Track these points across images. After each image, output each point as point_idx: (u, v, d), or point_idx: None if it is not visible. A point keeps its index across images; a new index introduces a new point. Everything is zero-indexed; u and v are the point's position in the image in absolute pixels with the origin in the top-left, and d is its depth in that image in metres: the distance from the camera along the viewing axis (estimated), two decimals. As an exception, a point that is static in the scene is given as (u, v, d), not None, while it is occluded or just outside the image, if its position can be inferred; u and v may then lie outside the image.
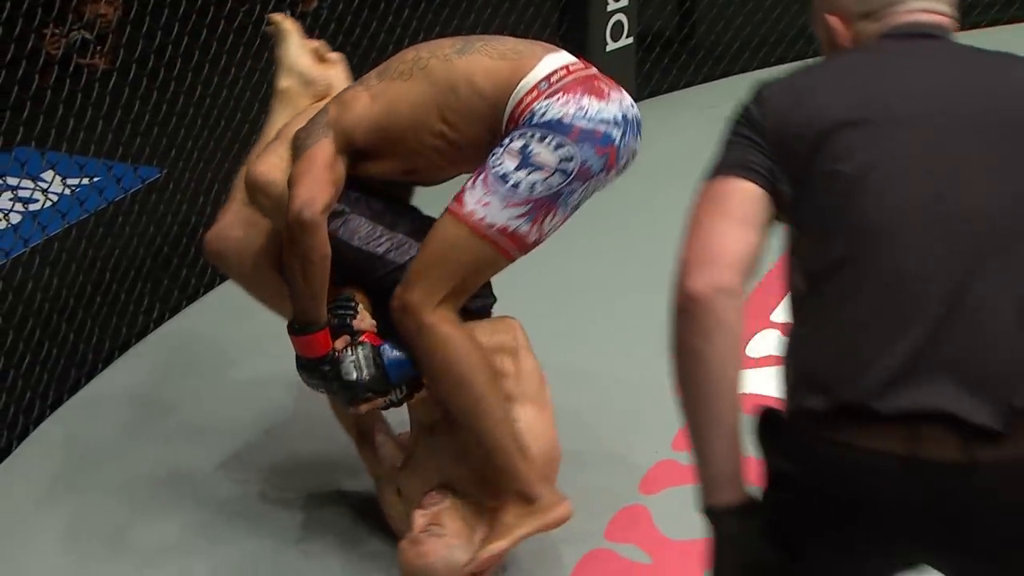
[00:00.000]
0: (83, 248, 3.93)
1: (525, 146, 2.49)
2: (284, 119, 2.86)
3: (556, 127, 2.50)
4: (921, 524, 1.64)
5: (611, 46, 4.95)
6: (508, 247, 2.54)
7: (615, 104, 2.59)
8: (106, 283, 3.86)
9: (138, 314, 3.83)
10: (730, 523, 1.71)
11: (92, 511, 3.06)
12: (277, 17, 3.00)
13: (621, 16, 4.95)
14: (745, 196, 1.71)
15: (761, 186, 1.71)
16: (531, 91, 2.54)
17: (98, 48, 5.16)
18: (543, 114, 2.51)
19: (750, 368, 3.40)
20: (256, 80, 4.49)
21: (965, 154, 1.66)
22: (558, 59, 2.61)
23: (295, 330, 2.62)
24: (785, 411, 1.70)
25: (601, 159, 2.54)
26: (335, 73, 3.00)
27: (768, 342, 3.52)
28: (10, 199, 3.95)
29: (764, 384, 3.33)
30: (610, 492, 2.97)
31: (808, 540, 1.70)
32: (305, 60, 2.96)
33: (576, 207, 2.60)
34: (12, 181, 3.99)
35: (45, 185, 3.96)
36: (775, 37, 5.49)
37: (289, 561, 2.87)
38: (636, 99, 5.05)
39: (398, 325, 2.57)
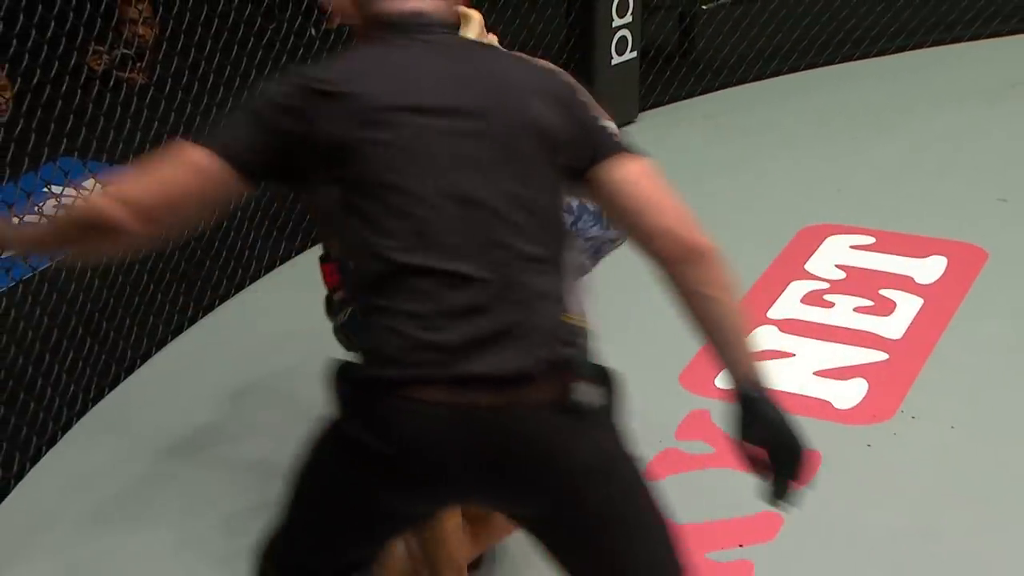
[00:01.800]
0: (122, 251, 3.93)
1: None
2: None
3: None
4: (473, 462, 1.77)
5: (616, 60, 4.94)
6: None
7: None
8: (143, 284, 3.86)
9: (173, 313, 3.84)
10: None
11: (130, 498, 3.06)
12: (464, 9, 2.96)
13: (625, 32, 4.94)
14: (200, 168, 1.79)
15: (233, 169, 1.79)
16: None
17: (137, 64, 5.17)
18: None
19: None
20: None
21: (477, 156, 1.79)
22: None
23: (320, 257, 2.61)
24: (357, 378, 1.80)
25: None
26: None
27: (764, 338, 3.51)
28: (54, 206, 3.95)
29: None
30: (616, 479, 2.96)
31: (379, 487, 1.82)
32: None
33: None
34: (56, 189, 4.00)
35: (87, 192, 3.96)
36: (770, 51, 5.48)
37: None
38: (640, 109, 5.12)
39: None
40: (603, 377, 1.84)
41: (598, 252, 2.55)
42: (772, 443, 1.92)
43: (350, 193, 1.80)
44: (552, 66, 1.93)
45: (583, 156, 1.86)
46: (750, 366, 1.93)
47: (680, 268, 1.84)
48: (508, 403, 1.75)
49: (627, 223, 1.88)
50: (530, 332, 1.77)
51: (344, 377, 1.82)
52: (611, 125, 1.94)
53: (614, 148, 1.88)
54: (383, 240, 1.77)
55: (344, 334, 2.62)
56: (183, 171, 1.79)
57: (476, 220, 1.78)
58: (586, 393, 1.79)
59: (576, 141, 1.86)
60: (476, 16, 2.93)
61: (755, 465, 1.95)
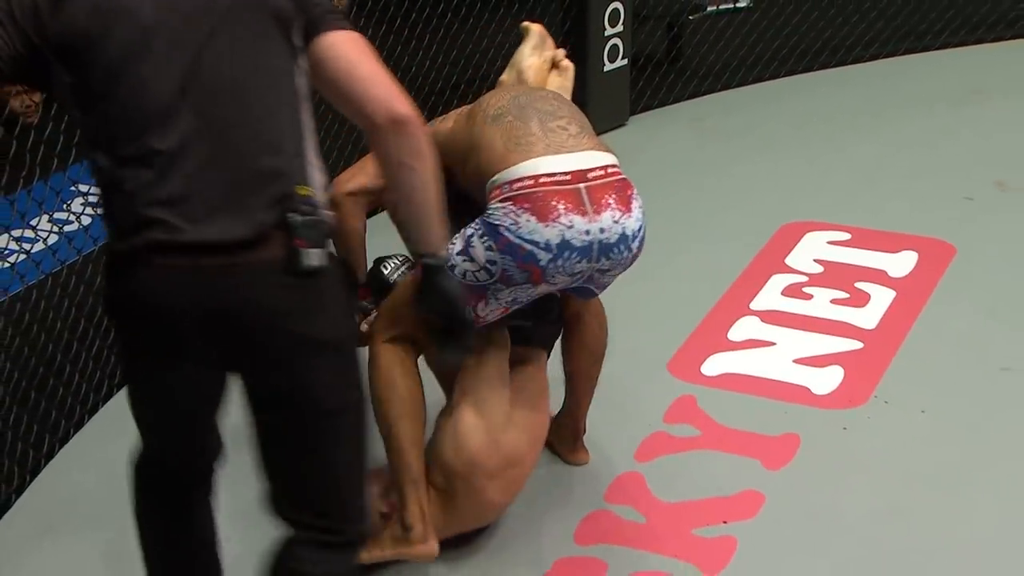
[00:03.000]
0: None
1: (471, 236, 2.37)
2: None
3: (492, 232, 2.35)
4: (209, 322, 1.81)
5: (608, 67, 4.92)
6: None
7: (555, 229, 2.33)
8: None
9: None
10: None
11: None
12: (527, 23, 2.87)
13: (617, 40, 4.92)
14: None
15: None
16: (499, 187, 2.38)
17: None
18: (490, 214, 2.36)
19: (730, 350, 3.39)
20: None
21: (206, 36, 1.79)
22: (542, 165, 2.38)
23: None
24: (114, 253, 1.87)
25: (523, 273, 2.36)
26: (555, 79, 2.84)
27: (747, 328, 3.50)
28: (82, 204, 3.94)
29: (743, 364, 3.33)
30: (609, 460, 2.95)
31: (154, 360, 1.89)
32: (530, 61, 2.79)
33: (514, 302, 2.44)
34: (84, 188, 3.98)
35: None
36: (752, 59, 5.47)
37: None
38: (630, 113, 5.10)
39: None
40: (332, 254, 1.87)
41: (591, 280, 2.49)
42: (445, 312, 2.02)
43: (84, 82, 1.80)
44: None
45: (306, 31, 1.87)
46: (437, 238, 1.98)
47: (388, 136, 1.87)
48: (236, 264, 1.78)
49: (340, 90, 1.88)
50: (256, 197, 1.79)
51: (106, 277, 1.88)
52: (330, 4, 1.95)
53: (331, 22, 1.89)
54: (114, 123, 1.79)
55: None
56: None
57: (206, 97, 1.79)
58: (312, 257, 1.82)
59: (300, 17, 1.86)
60: (536, 28, 2.85)
61: (431, 331, 2.05)
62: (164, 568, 2.15)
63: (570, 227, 2.35)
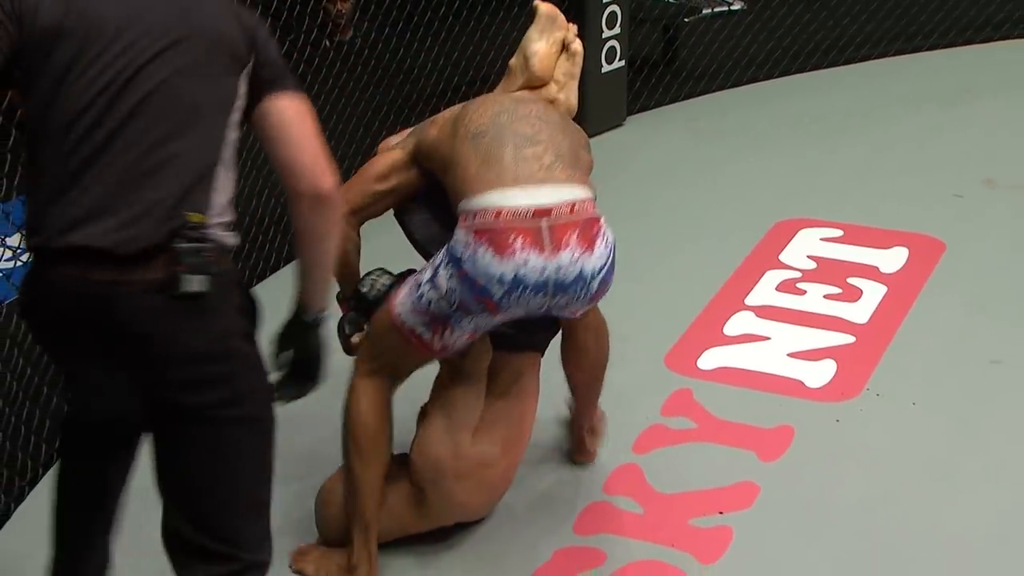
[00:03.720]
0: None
1: (438, 266, 2.35)
2: (498, 92, 2.70)
3: (454, 262, 2.32)
4: (93, 331, 1.82)
5: (606, 68, 4.91)
6: (418, 344, 2.42)
7: (510, 264, 2.28)
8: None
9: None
10: None
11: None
12: (537, 3, 2.76)
13: (614, 42, 4.91)
14: None
15: None
16: (464, 214, 2.33)
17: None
18: (454, 243, 2.33)
19: (726, 345, 3.39)
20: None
21: (145, 59, 1.80)
22: (507, 198, 2.32)
23: (336, 296, 2.61)
24: (28, 252, 1.88)
25: (479, 304, 2.33)
26: (563, 64, 2.77)
27: (742, 323, 3.50)
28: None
29: (738, 358, 3.33)
30: (607, 452, 2.95)
31: (55, 348, 1.93)
32: (536, 47, 2.69)
33: (477, 329, 2.40)
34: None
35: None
36: (745, 61, 5.47)
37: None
38: (627, 113, 5.09)
39: None
40: (224, 276, 1.86)
41: (551, 313, 2.42)
42: (301, 366, 2.05)
43: (32, 85, 1.81)
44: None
45: (253, 86, 1.87)
46: (321, 299, 2.02)
47: (307, 206, 1.88)
48: (119, 282, 1.79)
49: (270, 151, 1.90)
50: (145, 217, 1.79)
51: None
52: (281, 65, 1.94)
53: (279, 85, 1.89)
54: (46, 128, 1.80)
55: (341, 332, 2.63)
56: None
57: (127, 114, 1.79)
58: (192, 283, 1.81)
59: (251, 59, 1.86)
60: (544, 9, 2.73)
61: (279, 365, 2.06)
62: (65, 520, 2.14)
63: (525, 263, 2.29)
